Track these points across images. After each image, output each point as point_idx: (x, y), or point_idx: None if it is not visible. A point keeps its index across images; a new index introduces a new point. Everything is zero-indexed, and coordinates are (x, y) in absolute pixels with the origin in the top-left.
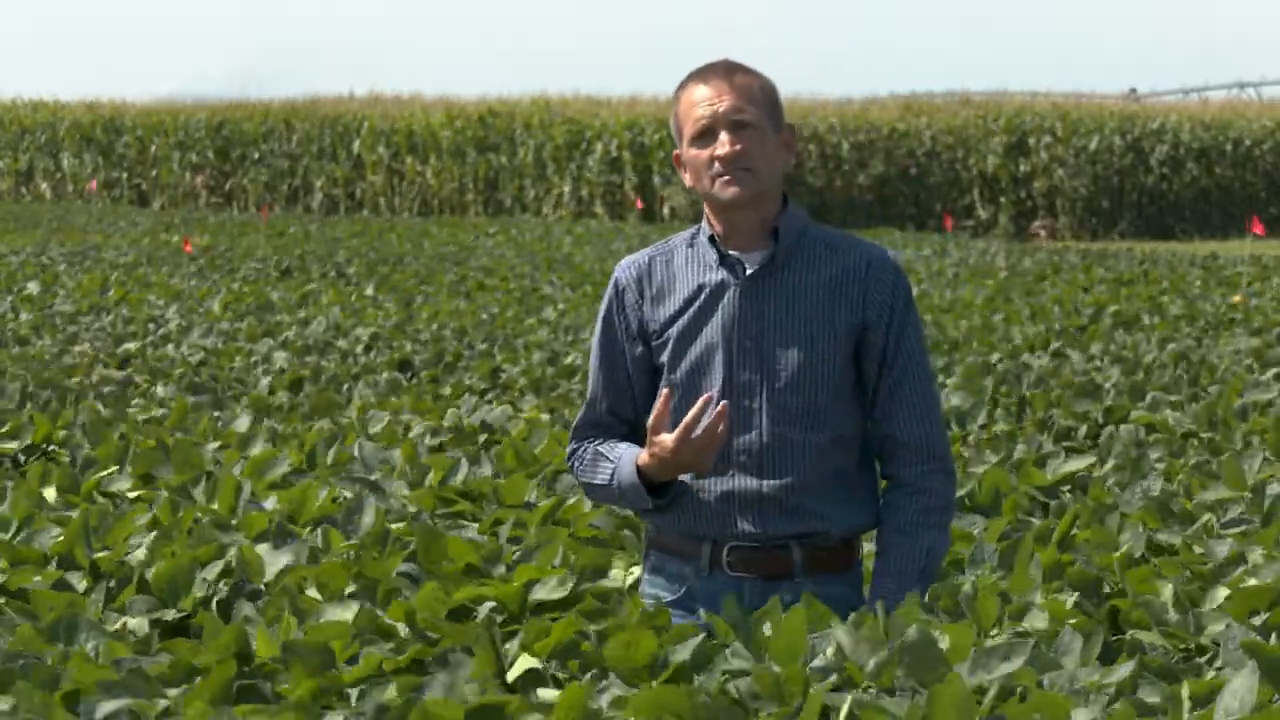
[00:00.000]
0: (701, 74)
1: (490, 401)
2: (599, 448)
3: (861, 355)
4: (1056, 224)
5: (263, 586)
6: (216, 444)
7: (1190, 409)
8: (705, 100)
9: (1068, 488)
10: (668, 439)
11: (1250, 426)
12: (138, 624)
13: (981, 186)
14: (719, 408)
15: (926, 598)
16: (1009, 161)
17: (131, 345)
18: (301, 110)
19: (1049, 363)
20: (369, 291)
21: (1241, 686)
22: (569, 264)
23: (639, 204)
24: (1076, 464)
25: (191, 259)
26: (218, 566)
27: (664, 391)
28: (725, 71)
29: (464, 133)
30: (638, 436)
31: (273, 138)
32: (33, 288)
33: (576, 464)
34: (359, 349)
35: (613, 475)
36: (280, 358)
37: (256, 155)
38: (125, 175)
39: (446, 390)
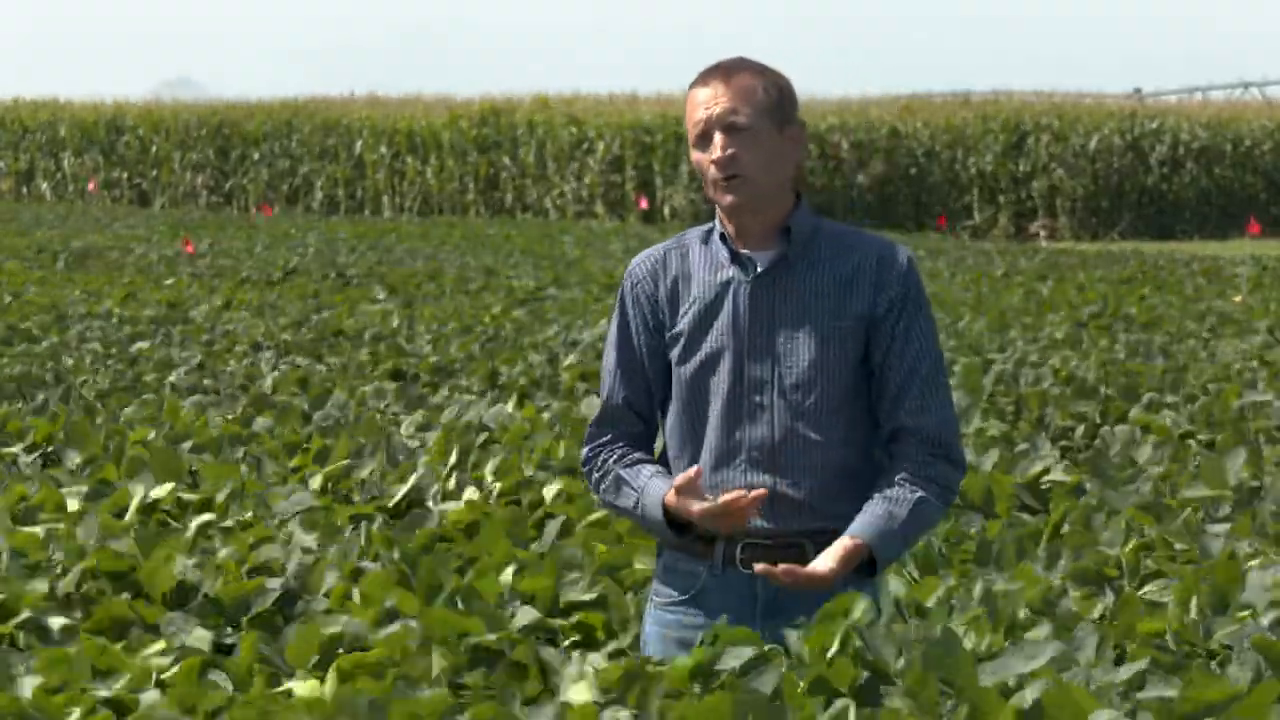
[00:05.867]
0: (703, 75)
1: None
2: (621, 471)
3: (872, 349)
4: (1056, 224)
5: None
6: (195, 442)
7: (1187, 409)
8: (703, 103)
9: (1046, 487)
10: (695, 508)
11: (1255, 427)
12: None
13: (981, 186)
14: (756, 493)
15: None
16: (1008, 161)
17: (130, 345)
18: (302, 110)
19: (1047, 363)
20: (370, 291)
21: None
22: (569, 264)
23: (644, 203)
24: (1049, 463)
25: (193, 260)
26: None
27: (695, 470)
28: (725, 72)
29: (465, 133)
30: (652, 432)
31: (273, 138)
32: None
33: (595, 476)
34: (353, 348)
35: (636, 504)
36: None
37: (256, 155)
38: (125, 175)
39: (445, 391)
